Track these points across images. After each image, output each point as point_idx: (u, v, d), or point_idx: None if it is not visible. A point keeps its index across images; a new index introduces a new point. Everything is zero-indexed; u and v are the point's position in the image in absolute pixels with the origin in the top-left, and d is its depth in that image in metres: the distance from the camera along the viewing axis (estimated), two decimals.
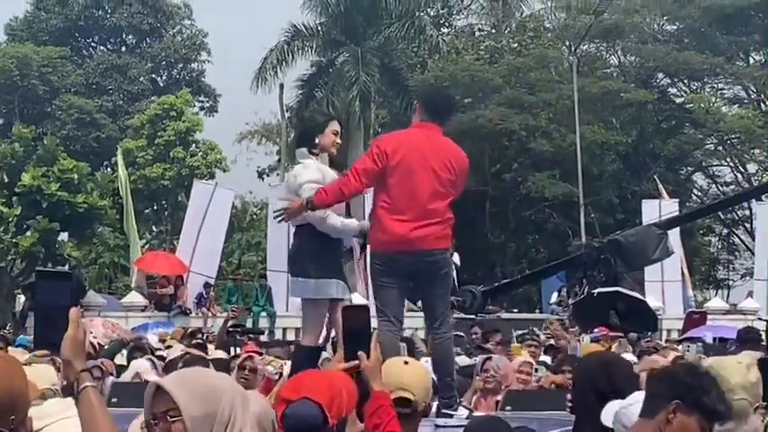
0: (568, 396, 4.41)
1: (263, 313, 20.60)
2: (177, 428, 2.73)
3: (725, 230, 39.97)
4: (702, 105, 36.71)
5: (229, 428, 2.75)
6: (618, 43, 38.22)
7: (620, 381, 4.16)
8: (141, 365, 8.21)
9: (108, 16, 45.48)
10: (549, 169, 34.01)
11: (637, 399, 3.79)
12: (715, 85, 39.32)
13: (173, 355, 9.11)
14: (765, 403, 4.29)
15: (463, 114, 33.12)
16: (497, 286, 21.56)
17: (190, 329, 14.43)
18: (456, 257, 19.88)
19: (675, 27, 39.31)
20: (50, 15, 45.18)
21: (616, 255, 18.62)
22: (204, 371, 3.02)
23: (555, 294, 22.11)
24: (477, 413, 6.87)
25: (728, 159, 38.83)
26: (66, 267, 31.24)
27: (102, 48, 47.16)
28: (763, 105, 39.01)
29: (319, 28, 36.09)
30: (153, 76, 46.09)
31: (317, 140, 6.79)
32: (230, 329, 13.34)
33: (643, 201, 26.32)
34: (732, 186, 38.31)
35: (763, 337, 10.29)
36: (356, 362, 3.92)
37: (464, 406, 6.82)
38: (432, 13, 39.99)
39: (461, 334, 12.85)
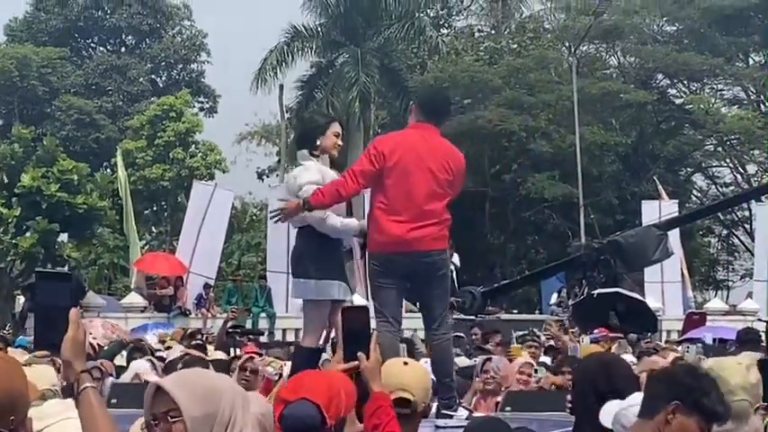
0: (568, 397, 4.41)
1: (263, 314, 20.60)
2: (177, 429, 2.73)
3: (724, 231, 39.93)
4: (702, 106, 36.68)
5: (229, 429, 2.76)
6: (617, 44, 38.23)
7: (620, 382, 4.16)
8: (141, 366, 8.22)
9: (107, 17, 45.45)
10: (548, 170, 34.00)
11: (636, 400, 3.79)
12: (714, 86, 39.33)
13: (172, 355, 9.11)
14: (765, 404, 4.30)
15: (463, 115, 33.17)
16: (497, 287, 21.49)
17: (189, 330, 14.45)
18: (456, 258, 19.91)
19: (675, 28, 39.31)
20: (50, 16, 45.16)
21: (616, 256, 18.57)
22: (204, 372, 3.03)
23: (555, 295, 22.12)
24: (476, 414, 6.87)
25: (728, 160, 38.83)
26: (66, 268, 31.21)
27: (101, 48, 47.13)
28: (762, 106, 38.99)
29: (319, 29, 36.08)
30: (152, 76, 46.05)
31: (318, 142, 6.78)
32: (230, 330, 13.33)
33: (643, 202, 26.28)
34: (732, 187, 38.31)
35: (763, 337, 10.30)
36: (356, 363, 3.92)
37: (464, 407, 6.81)
38: (431, 14, 39.93)
39: (461, 335, 12.87)
